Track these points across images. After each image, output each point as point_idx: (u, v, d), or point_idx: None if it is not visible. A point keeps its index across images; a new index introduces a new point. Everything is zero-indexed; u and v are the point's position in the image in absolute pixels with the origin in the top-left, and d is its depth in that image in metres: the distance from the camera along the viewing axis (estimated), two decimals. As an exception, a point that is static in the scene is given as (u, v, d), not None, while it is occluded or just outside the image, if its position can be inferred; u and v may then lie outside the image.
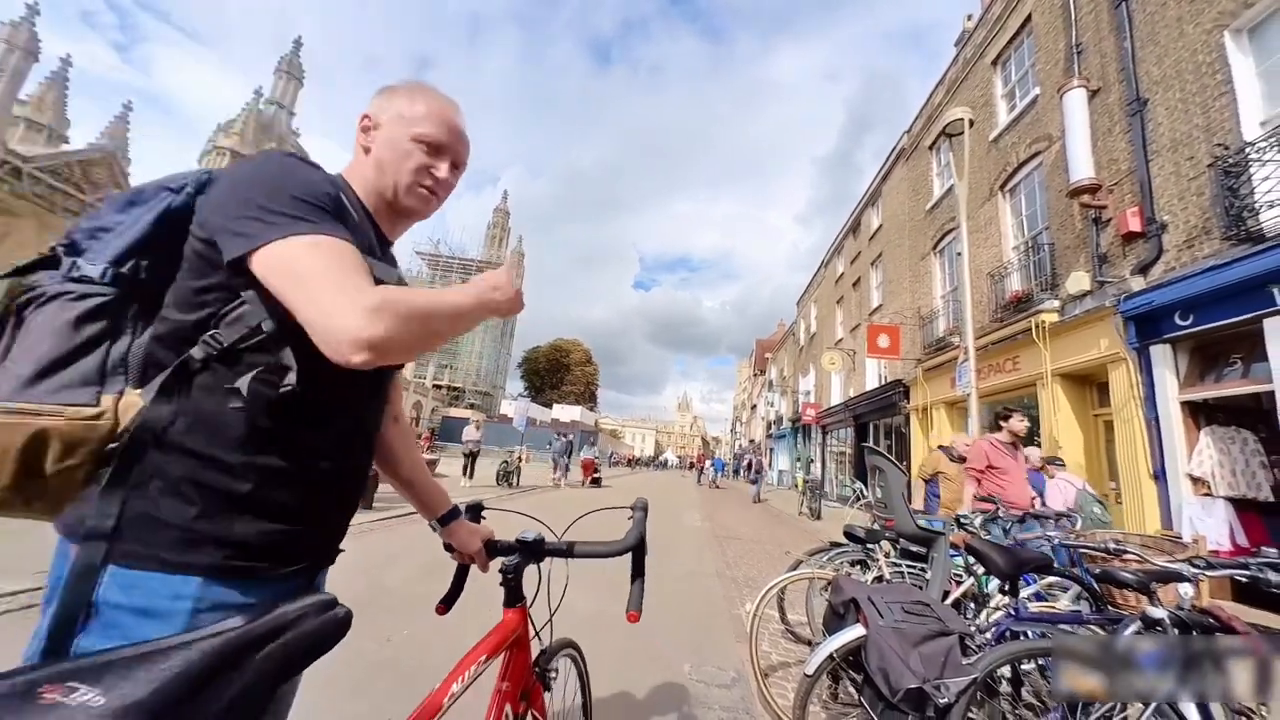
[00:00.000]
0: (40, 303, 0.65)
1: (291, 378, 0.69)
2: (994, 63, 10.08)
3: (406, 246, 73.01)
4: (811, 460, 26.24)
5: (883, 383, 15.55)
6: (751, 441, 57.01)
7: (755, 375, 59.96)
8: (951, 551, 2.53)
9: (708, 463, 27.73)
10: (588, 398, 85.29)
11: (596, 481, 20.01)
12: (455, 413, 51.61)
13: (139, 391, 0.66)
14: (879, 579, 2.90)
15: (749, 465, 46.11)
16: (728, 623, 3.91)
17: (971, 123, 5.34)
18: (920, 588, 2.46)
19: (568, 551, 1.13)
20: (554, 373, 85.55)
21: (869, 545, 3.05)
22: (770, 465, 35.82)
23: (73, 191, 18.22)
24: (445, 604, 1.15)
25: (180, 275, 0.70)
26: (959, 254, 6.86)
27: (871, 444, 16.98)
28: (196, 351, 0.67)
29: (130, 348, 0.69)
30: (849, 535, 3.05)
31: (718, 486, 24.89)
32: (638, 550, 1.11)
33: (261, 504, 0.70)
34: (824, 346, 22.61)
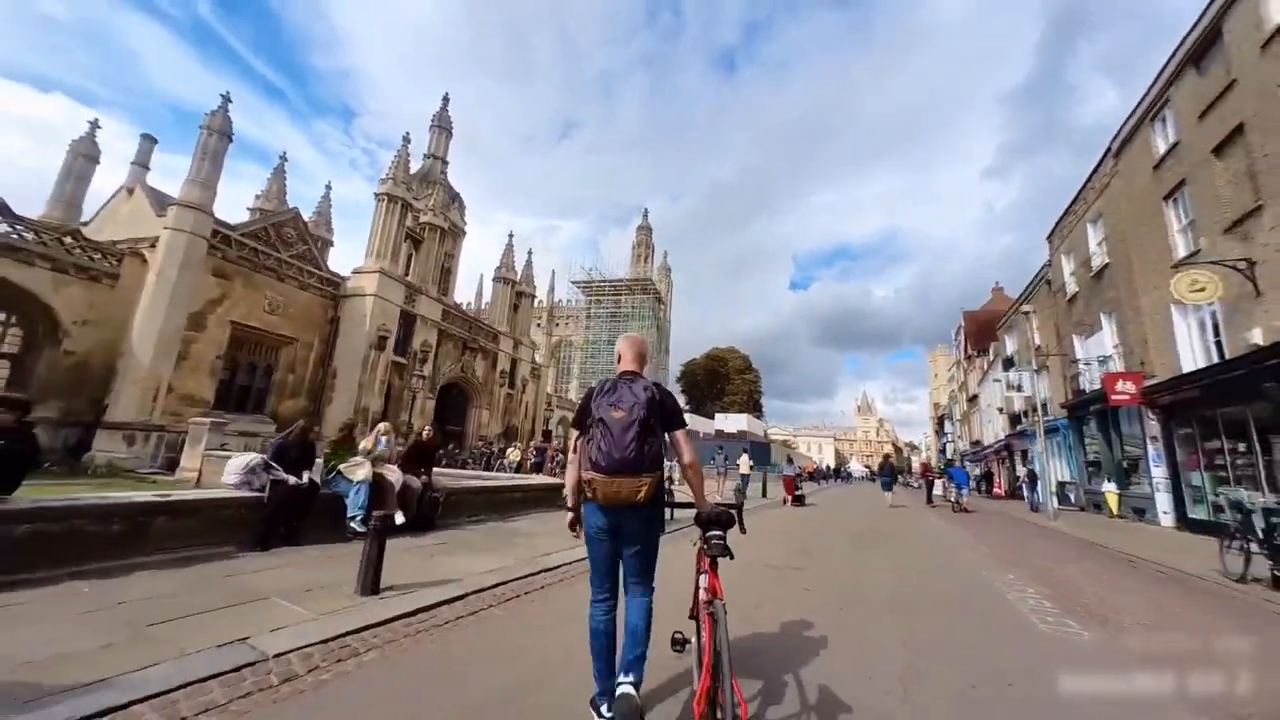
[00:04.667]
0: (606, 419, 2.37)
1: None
2: None
3: (564, 279, 77.61)
4: (1124, 463, 16.53)
5: None
6: (976, 444, 43.77)
7: (969, 357, 46.57)
8: None
9: (939, 474, 19.68)
10: (751, 406, 78.79)
11: (799, 500, 15.05)
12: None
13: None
14: None
15: (986, 476, 34.64)
16: None
17: None
18: None
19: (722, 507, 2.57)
20: (713, 383, 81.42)
21: None
22: (1020, 473, 25.23)
23: (269, 250, 20.50)
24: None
25: (657, 424, 2.42)
26: None
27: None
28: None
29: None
30: None
31: (965, 509, 17.09)
32: (739, 509, 2.97)
33: None
34: (1147, 276, 13.71)
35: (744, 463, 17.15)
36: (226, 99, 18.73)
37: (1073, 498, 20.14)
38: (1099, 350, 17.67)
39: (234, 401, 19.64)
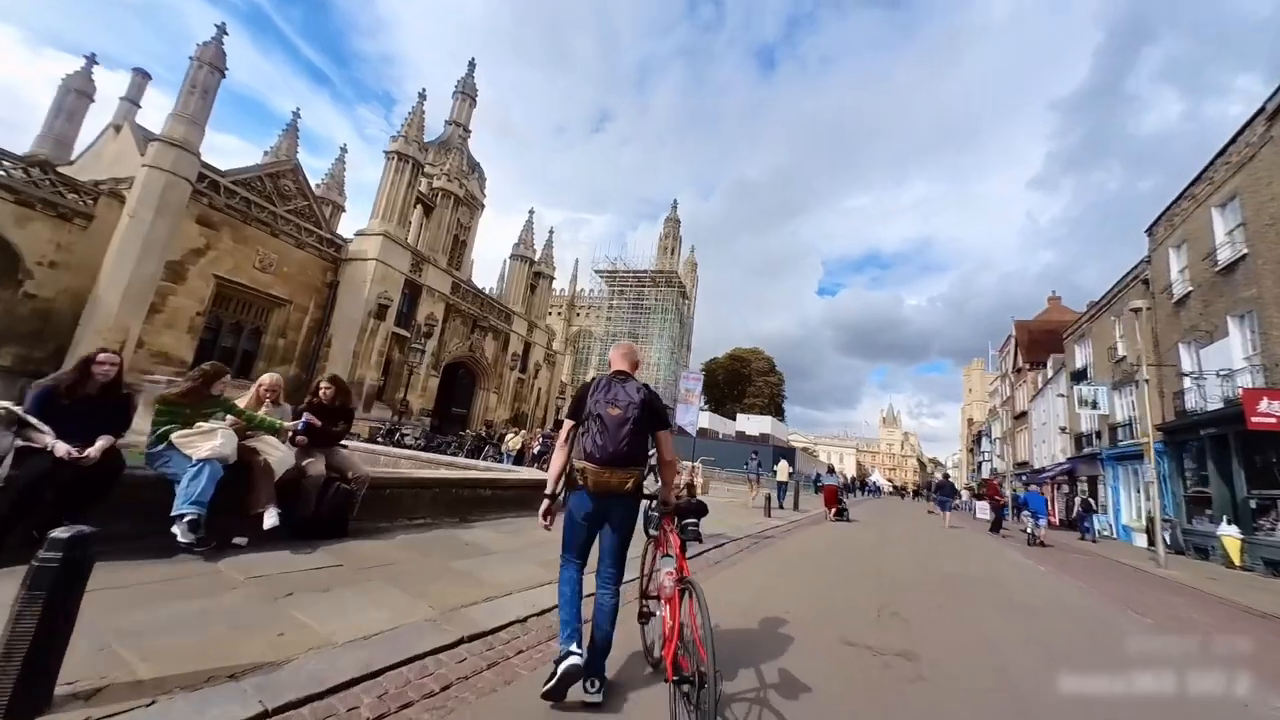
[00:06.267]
0: (601, 415, 2.52)
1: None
2: None
3: (588, 269, 75.63)
4: (1251, 502, 13.36)
5: None
6: (1023, 465, 39.88)
7: (1019, 370, 42.62)
8: None
9: (1012, 497, 16.63)
10: (773, 410, 75.67)
11: (842, 514, 12.67)
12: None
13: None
14: None
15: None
16: None
17: None
18: None
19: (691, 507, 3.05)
20: (734, 384, 78.66)
21: None
22: (1098, 506, 21.96)
23: (264, 203, 18.78)
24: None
25: (646, 422, 2.57)
26: None
27: None
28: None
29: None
30: None
31: (1042, 542, 14.19)
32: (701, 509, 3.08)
33: None
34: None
35: (782, 469, 14.64)
36: (222, 29, 17.00)
37: (1167, 538, 16.93)
38: (1221, 362, 14.48)
39: (216, 364, 17.97)
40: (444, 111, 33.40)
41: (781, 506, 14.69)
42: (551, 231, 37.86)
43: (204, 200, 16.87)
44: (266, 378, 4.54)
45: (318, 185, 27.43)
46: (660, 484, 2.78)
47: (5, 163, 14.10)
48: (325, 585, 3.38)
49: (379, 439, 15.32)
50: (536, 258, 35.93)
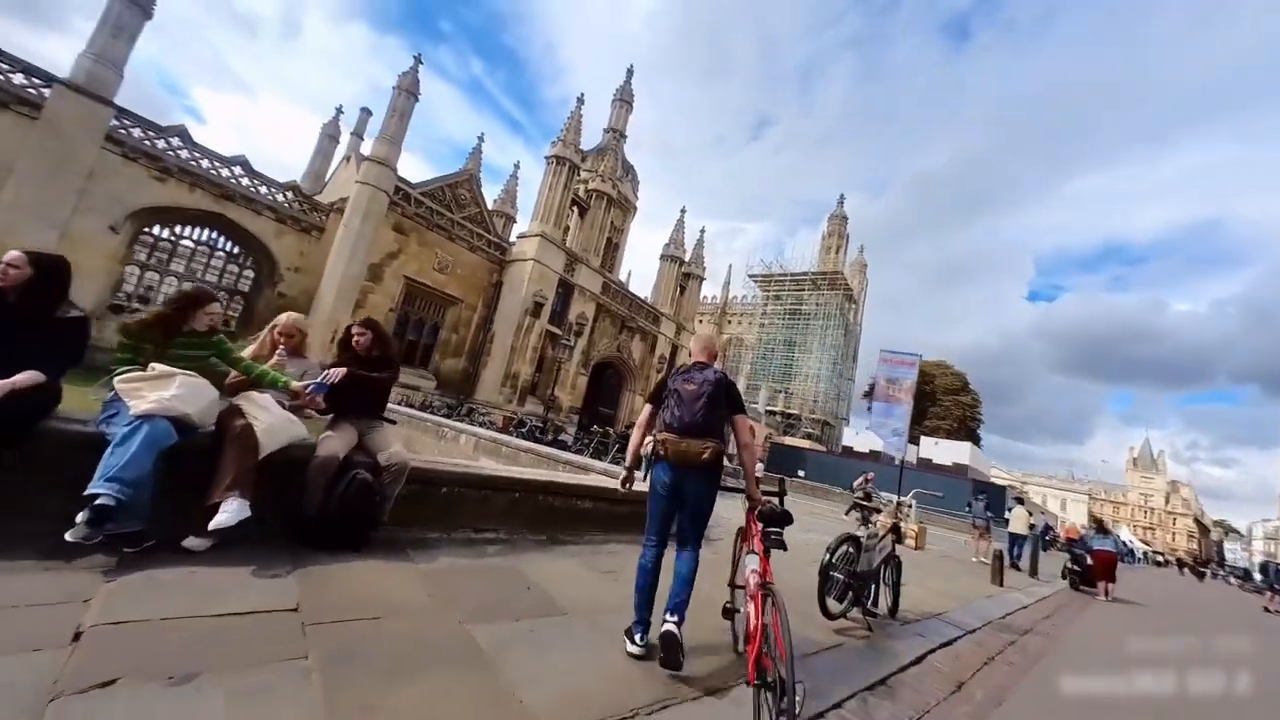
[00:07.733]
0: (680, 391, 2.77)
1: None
2: None
3: (741, 276, 72.26)
4: None
5: None
6: None
7: None
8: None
9: None
10: (964, 436, 61.76)
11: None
12: (788, 441, 43.92)
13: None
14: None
15: None
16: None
17: None
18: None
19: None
20: (913, 401, 66.75)
21: None
22: None
23: (443, 210, 20.84)
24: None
25: (722, 400, 2.72)
26: None
27: None
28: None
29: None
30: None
31: None
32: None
33: None
34: None
35: (1019, 517, 10.20)
36: (418, 60, 19.32)
37: None
38: None
39: (402, 355, 20.44)
40: (605, 123, 34.71)
41: (1016, 567, 10.20)
42: (702, 231, 36.31)
43: (398, 210, 19.27)
44: (283, 317, 3.39)
45: (494, 200, 30.37)
46: (745, 480, 2.86)
47: (272, 189, 17.79)
48: (200, 665, 1.79)
49: (510, 429, 15.29)
50: (687, 258, 34.72)
